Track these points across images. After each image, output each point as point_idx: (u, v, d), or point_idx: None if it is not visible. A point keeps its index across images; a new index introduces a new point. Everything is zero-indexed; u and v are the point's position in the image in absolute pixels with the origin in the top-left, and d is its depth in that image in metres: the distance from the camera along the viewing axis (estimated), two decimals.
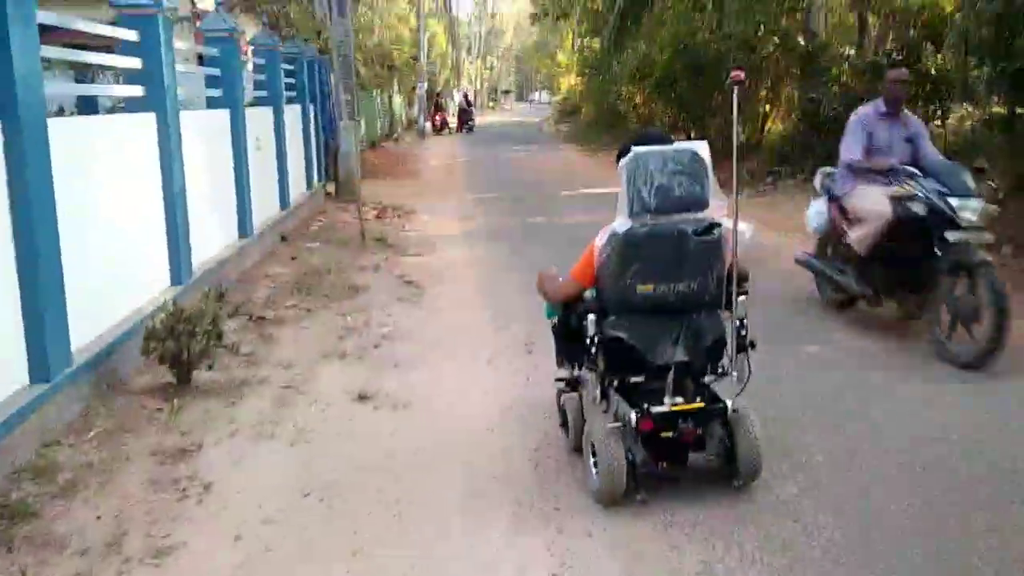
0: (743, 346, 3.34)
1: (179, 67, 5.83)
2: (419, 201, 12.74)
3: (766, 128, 15.61)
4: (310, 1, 15.50)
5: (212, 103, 7.33)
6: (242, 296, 6.56)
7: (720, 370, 3.40)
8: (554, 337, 3.72)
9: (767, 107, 15.48)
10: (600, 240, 3.30)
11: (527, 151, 23.50)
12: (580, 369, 3.62)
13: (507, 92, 75.50)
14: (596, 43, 27.81)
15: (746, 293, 3.40)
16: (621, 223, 3.23)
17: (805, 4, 14.73)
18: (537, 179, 15.97)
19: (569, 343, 3.58)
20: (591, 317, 3.31)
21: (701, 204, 3.22)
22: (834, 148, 13.08)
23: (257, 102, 9.07)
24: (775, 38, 14.11)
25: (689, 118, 19.17)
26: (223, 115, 7.23)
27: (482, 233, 9.85)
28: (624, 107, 24.17)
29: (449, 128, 32.66)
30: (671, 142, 3.35)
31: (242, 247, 7.36)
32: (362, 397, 4.41)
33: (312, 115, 11.89)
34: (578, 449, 3.53)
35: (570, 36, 38.85)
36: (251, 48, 9.23)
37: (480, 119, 37.73)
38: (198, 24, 12.02)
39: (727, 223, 3.22)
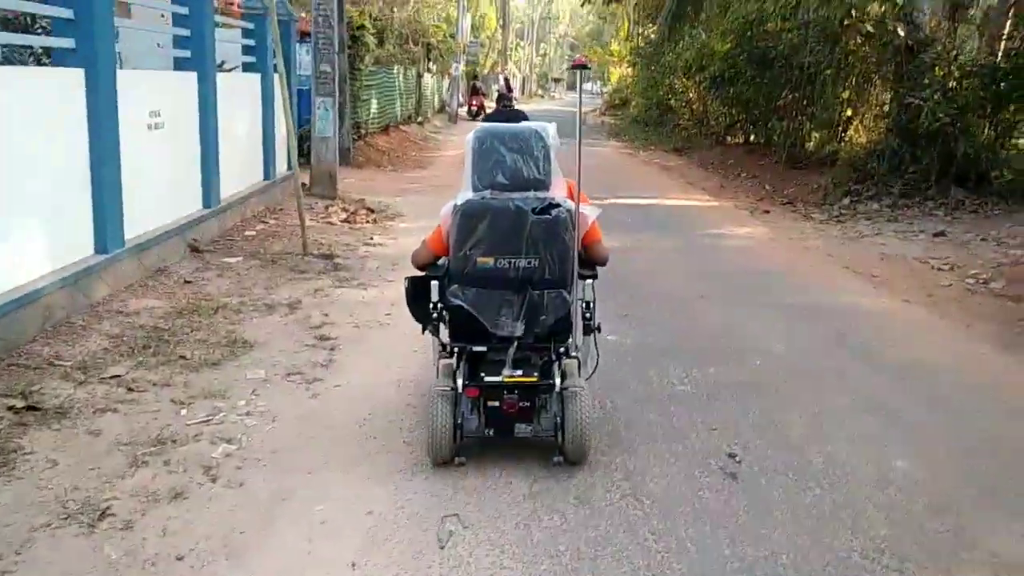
0: (589, 328, 3.42)
1: None
2: (412, 200, 10.41)
3: (845, 136, 12.90)
4: None
5: (56, 59, 5.05)
6: (52, 351, 4.30)
7: (563, 350, 3.31)
8: (406, 298, 3.48)
9: (849, 112, 12.77)
10: (445, 212, 3.32)
11: (563, 144, 20.93)
12: (424, 332, 3.50)
13: (558, 80, 72.71)
14: (652, 30, 25.21)
15: (595, 277, 3.44)
16: (462, 196, 3.25)
17: None
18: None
19: (417, 305, 3.44)
20: (434, 284, 3.36)
21: (542, 184, 3.25)
22: (932, 165, 10.74)
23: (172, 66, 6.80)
24: (867, 27, 11.40)
25: (749, 119, 16.57)
26: (70, 76, 4.94)
27: None
28: (676, 102, 21.61)
29: (486, 113, 30.30)
30: (525, 119, 3.58)
31: (93, 268, 5.09)
32: None
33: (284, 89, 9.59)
34: None
35: (625, 24, 36.14)
36: None
37: (524, 107, 35.09)
38: None
39: (569, 204, 3.24)
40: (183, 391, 3.96)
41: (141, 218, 5.86)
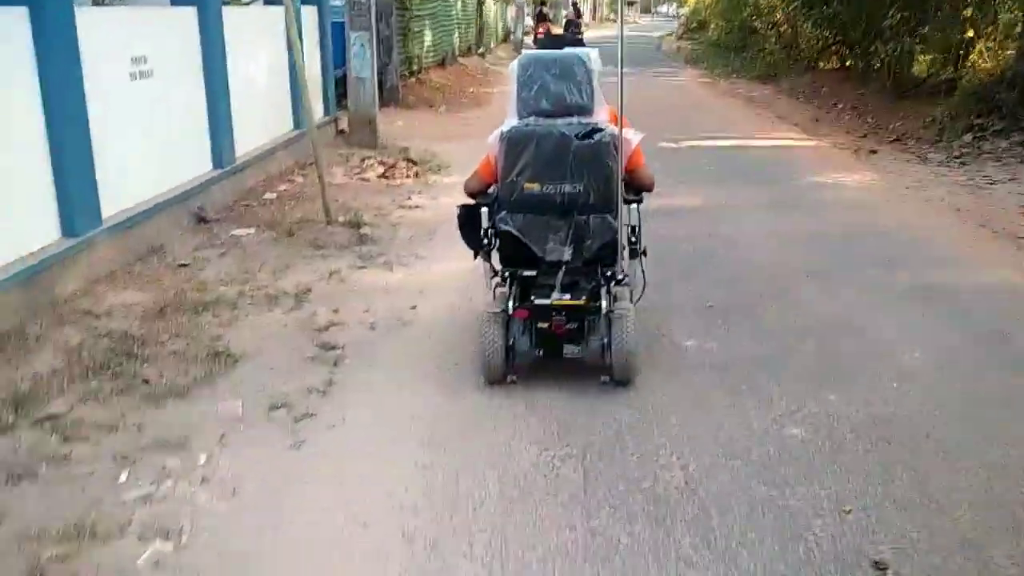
0: (635, 252, 3.49)
1: None
2: (462, 146, 9.24)
3: (966, 62, 11.09)
4: None
5: None
6: None
7: (610, 274, 3.37)
8: (458, 225, 3.49)
9: (971, 33, 10.92)
10: (492, 139, 3.37)
11: (634, 74, 19.20)
12: (476, 258, 3.56)
13: (631, 3, 69.19)
14: None
15: (640, 201, 3.50)
16: (508, 123, 3.33)
17: None
18: (634, 120, 12.08)
19: (469, 232, 3.47)
20: (484, 210, 3.40)
21: (585, 109, 3.29)
22: None
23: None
24: None
25: (846, 43, 14.68)
26: (8, 17, 3.95)
27: None
28: (761, 25, 19.65)
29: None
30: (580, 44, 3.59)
31: (57, 257, 4.20)
32: None
33: (292, 22, 8.52)
34: None
35: None
36: None
37: (595, 33, 33.12)
38: None
39: (612, 129, 3.25)
40: (133, 439, 3.04)
41: (126, 188, 4.95)
